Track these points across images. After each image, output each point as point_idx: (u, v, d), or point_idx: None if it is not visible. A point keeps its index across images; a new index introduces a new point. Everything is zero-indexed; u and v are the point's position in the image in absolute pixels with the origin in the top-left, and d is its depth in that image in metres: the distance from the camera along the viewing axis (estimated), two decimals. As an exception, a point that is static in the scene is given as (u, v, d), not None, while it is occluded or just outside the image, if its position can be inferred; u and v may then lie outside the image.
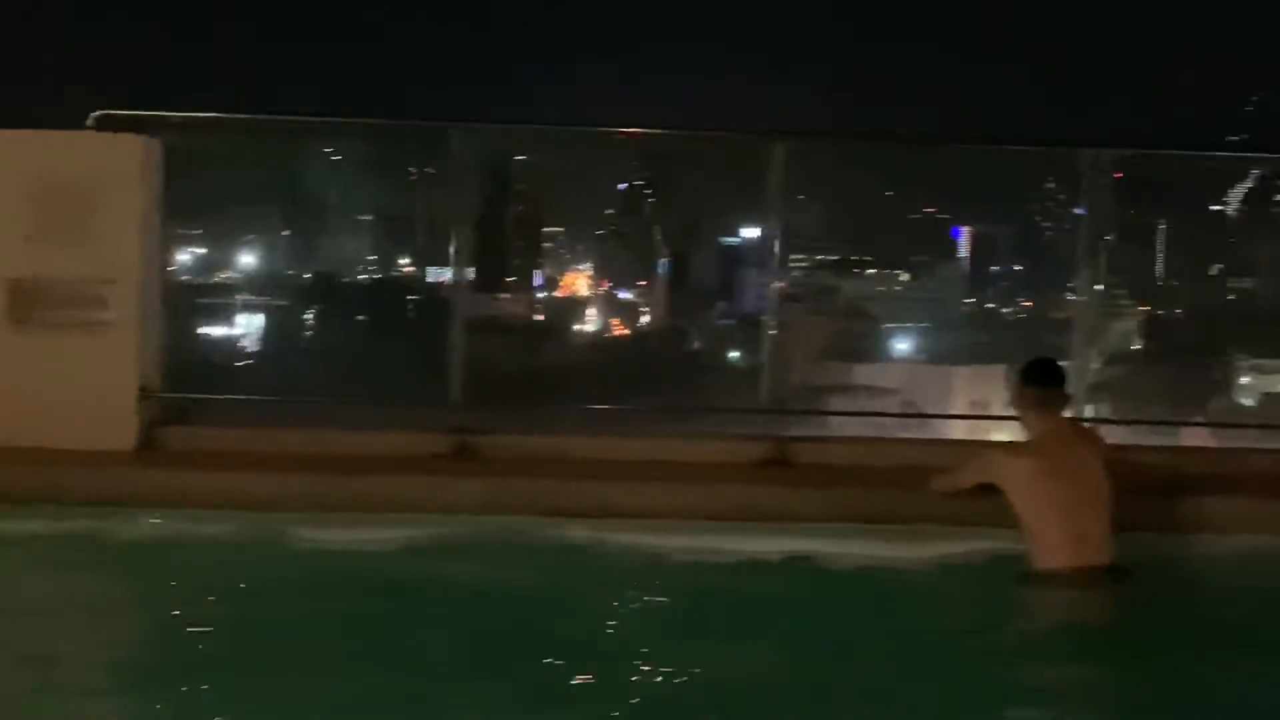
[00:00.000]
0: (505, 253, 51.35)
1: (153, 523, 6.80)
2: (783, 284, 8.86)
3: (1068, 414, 6.81)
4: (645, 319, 53.28)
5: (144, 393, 7.90)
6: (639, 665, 5.24)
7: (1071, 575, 6.03)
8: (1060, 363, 6.98)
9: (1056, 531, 6.05)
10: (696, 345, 45.69)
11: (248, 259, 33.86)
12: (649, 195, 72.89)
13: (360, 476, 7.32)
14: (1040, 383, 6.47)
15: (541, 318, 49.08)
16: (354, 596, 5.93)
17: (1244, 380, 36.97)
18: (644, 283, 59.47)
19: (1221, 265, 49.22)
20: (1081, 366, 8.61)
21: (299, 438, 7.97)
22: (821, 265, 49.35)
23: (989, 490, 6.36)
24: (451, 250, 8.52)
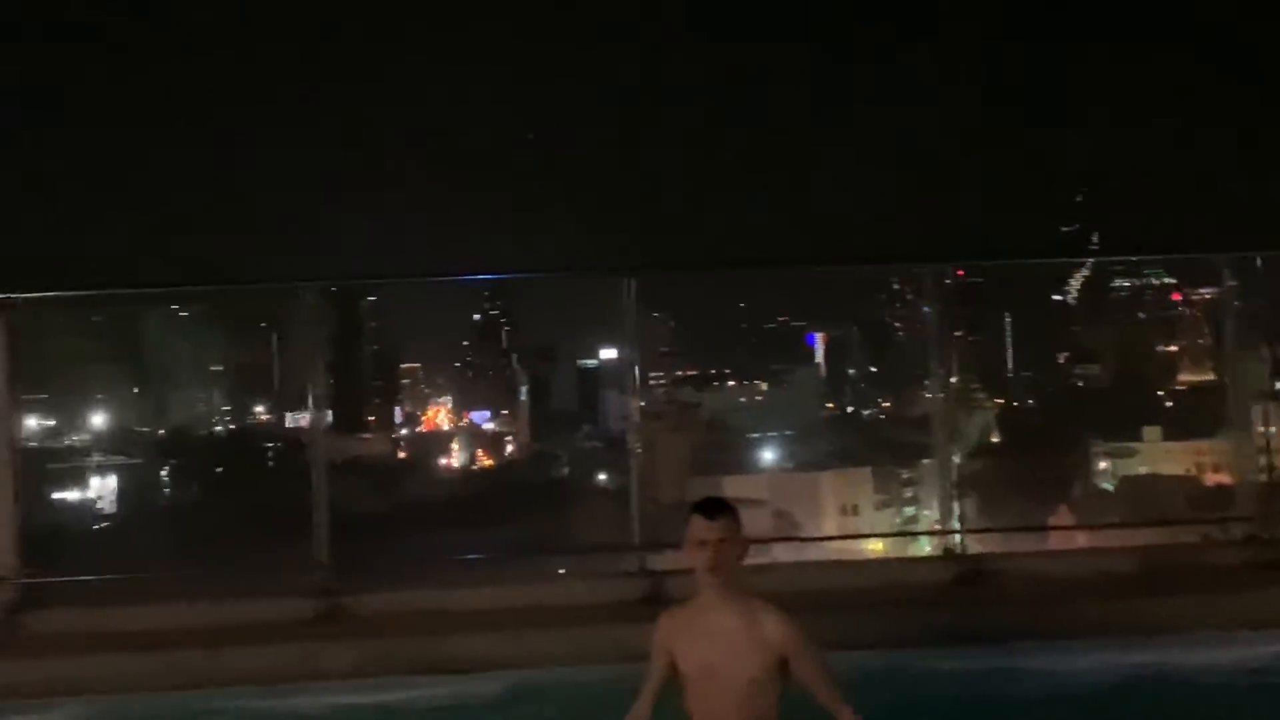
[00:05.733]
0: (363, 392, 51.04)
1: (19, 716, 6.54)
2: (643, 404, 8.88)
3: None
4: (510, 448, 53.16)
5: (-1, 580, 7.66)
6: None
7: None
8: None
9: None
10: (564, 471, 45.70)
11: (100, 421, 33.19)
12: (504, 324, 73.12)
13: (228, 648, 7.14)
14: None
15: (404, 455, 48.72)
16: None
17: (1101, 465, 38.01)
18: (505, 411, 59.40)
19: (1066, 353, 50.83)
20: (944, 461, 8.73)
21: (164, 612, 7.77)
22: (680, 380, 49.82)
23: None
24: (310, 397, 8.43)
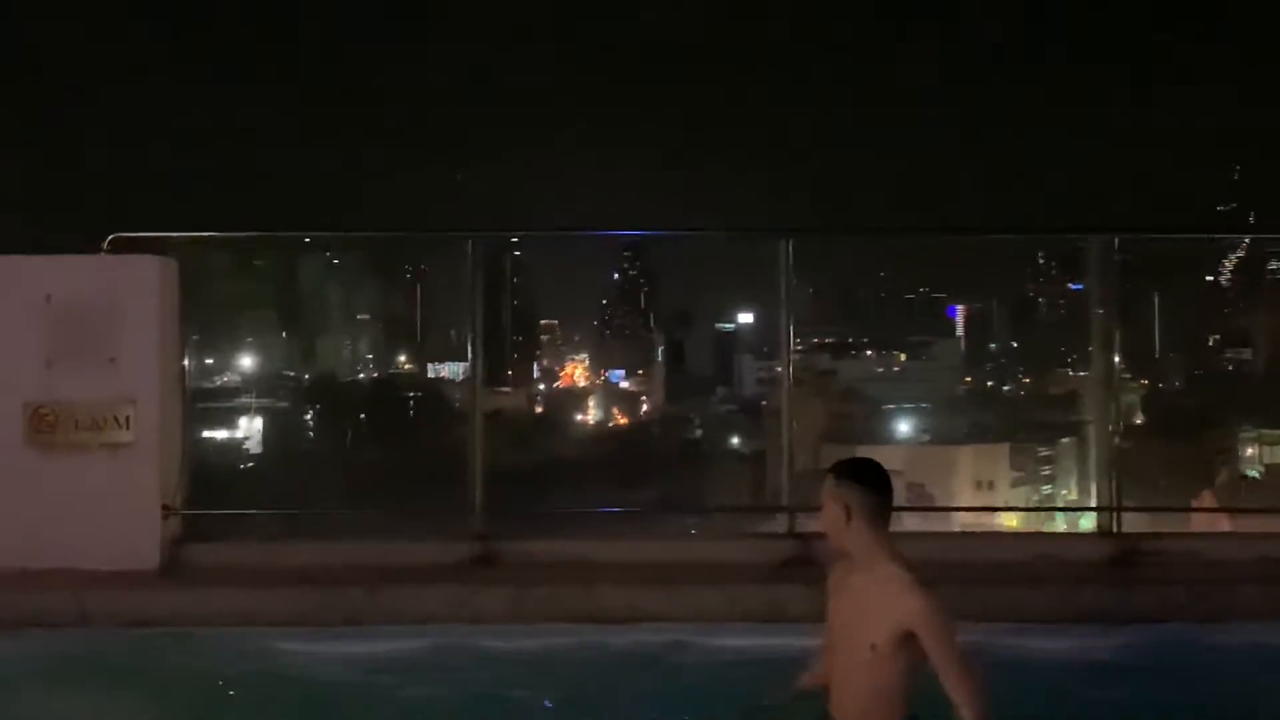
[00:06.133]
0: (504, 347, 51.57)
1: (182, 643, 6.75)
2: (780, 369, 8.84)
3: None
4: (645, 408, 53.41)
5: (166, 511, 7.91)
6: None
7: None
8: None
9: None
10: (697, 433, 45.82)
11: (250, 364, 34.02)
12: (644, 284, 73.22)
13: (387, 588, 7.30)
14: (878, 489, 5.04)
15: (541, 410, 49.20)
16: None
17: (1249, 451, 37.11)
18: (641, 372, 59.62)
19: (1218, 335, 49.58)
20: (1103, 437, 8.55)
21: (322, 549, 7.97)
22: (817, 348, 49.56)
23: None
24: (468, 347, 8.55)
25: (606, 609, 7.08)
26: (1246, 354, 47.62)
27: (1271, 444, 35.68)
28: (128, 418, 7.79)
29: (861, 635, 4.80)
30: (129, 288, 7.98)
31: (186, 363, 8.37)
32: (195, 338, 8.56)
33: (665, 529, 9.12)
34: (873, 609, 4.79)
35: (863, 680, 4.81)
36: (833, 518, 4.92)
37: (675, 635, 6.78)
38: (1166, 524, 8.95)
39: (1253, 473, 34.27)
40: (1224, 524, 10.93)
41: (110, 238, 8.05)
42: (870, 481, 4.97)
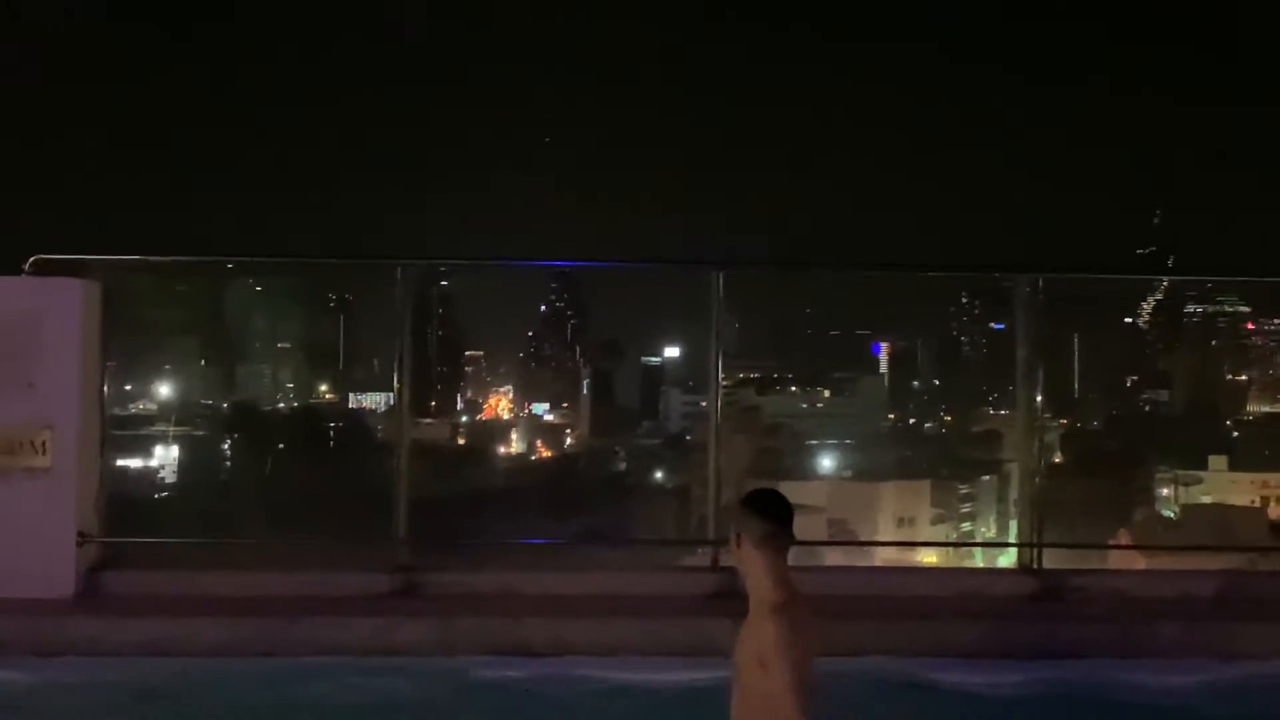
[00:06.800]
0: (427, 378, 51.28)
1: (95, 672, 6.61)
2: (704, 403, 8.85)
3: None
4: (569, 440, 53.28)
5: (82, 538, 7.75)
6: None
7: None
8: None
9: None
10: (622, 466, 45.77)
11: (167, 391, 33.58)
12: (570, 317, 73.23)
13: (306, 618, 7.19)
14: (775, 517, 5.12)
15: (464, 442, 48.90)
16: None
17: (1164, 491, 37.66)
18: (565, 404, 59.50)
19: (1135, 376, 50.34)
20: (1023, 479, 8.63)
21: (240, 580, 7.85)
22: (745, 383, 49.71)
23: None
24: (395, 375, 8.50)
25: (531, 641, 7.03)
26: (1164, 395, 48.43)
27: (1187, 484, 36.24)
28: (44, 443, 7.63)
29: (752, 651, 4.92)
30: (51, 310, 7.83)
31: (106, 390, 8.22)
32: (112, 364, 8.40)
33: (590, 561, 9.05)
34: (751, 630, 4.96)
35: (756, 691, 4.90)
36: (733, 550, 5.08)
37: (600, 669, 6.73)
38: (1086, 562, 9.02)
39: (1168, 513, 34.76)
40: (1140, 562, 11.08)
41: (32, 259, 7.89)
42: (757, 508, 5.09)
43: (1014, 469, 9.40)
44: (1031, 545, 8.19)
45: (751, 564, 5.04)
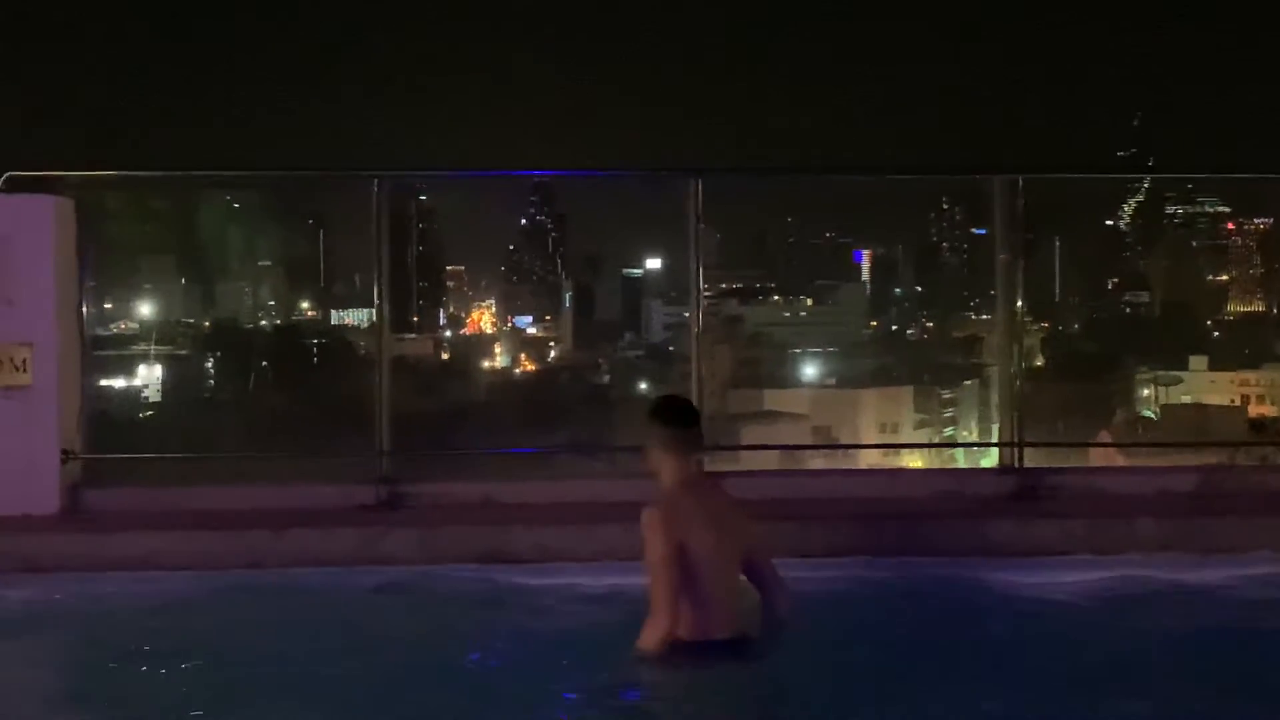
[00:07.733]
0: (408, 293, 51.09)
1: (86, 587, 6.65)
2: (687, 314, 8.85)
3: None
4: (553, 353, 53.24)
5: (66, 455, 7.77)
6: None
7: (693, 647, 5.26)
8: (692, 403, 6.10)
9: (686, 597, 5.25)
10: (605, 378, 45.75)
11: (148, 310, 33.40)
12: (551, 229, 72.96)
13: (291, 530, 7.22)
14: (674, 422, 5.56)
15: (447, 356, 48.84)
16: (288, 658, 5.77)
17: (1145, 392, 37.84)
18: (548, 317, 59.46)
19: (1116, 279, 50.42)
20: (1004, 382, 8.67)
21: (224, 494, 7.90)
22: (728, 294, 49.64)
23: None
24: (374, 291, 8.48)
25: (515, 549, 7.08)
26: (1144, 297, 48.48)
27: (1167, 385, 36.39)
28: (25, 360, 7.63)
29: (735, 553, 5.46)
30: (24, 227, 7.80)
31: (85, 308, 8.20)
32: (92, 284, 8.38)
33: (573, 470, 9.10)
34: (740, 526, 5.55)
35: (736, 597, 5.46)
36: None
37: (584, 575, 6.79)
38: (1066, 461, 9.08)
39: (1148, 413, 34.95)
40: (1120, 461, 11.15)
41: (4, 176, 7.85)
42: (660, 415, 5.64)
43: (995, 373, 9.43)
44: (1012, 445, 8.27)
45: (662, 467, 5.50)
